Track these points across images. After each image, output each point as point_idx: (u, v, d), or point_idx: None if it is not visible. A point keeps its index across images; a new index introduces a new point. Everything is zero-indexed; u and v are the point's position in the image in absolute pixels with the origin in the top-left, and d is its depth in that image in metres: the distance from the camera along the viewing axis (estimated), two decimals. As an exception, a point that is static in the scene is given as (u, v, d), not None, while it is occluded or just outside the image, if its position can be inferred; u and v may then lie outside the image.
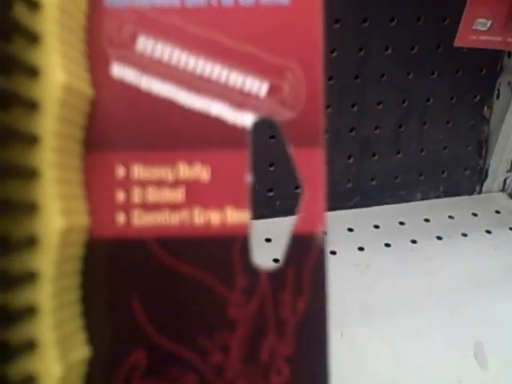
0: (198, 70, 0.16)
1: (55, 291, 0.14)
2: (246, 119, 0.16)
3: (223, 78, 0.16)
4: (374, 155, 0.56)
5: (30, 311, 0.14)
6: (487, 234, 0.55)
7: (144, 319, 0.16)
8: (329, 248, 0.52)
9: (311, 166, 0.16)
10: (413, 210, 0.58)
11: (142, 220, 0.16)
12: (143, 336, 0.16)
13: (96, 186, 0.16)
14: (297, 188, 0.53)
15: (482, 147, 0.59)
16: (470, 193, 0.61)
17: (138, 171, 0.16)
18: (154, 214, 0.16)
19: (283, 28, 0.16)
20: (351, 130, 0.54)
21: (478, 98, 0.56)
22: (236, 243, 0.16)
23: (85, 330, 0.16)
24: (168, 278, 0.16)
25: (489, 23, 0.47)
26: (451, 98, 0.55)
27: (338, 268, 0.50)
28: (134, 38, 0.16)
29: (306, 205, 0.16)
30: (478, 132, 0.58)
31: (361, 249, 0.52)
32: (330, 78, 0.50)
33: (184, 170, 0.16)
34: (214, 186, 0.16)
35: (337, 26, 0.48)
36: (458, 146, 0.58)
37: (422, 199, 0.59)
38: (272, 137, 0.43)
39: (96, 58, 0.16)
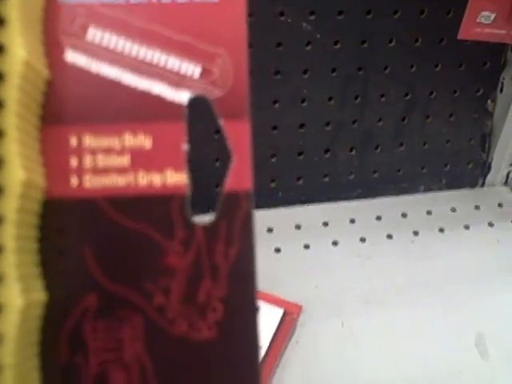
0: (141, 56, 0.19)
1: (17, 235, 0.17)
2: (182, 97, 0.19)
3: (162, 63, 0.19)
4: (376, 147, 0.56)
5: None
6: (489, 227, 0.55)
7: (95, 267, 0.18)
8: (331, 238, 0.52)
9: (239, 136, 0.19)
10: (415, 202, 0.58)
11: (92, 182, 0.19)
12: (94, 282, 0.18)
13: (52, 153, 0.18)
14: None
15: (485, 141, 0.59)
16: (473, 186, 0.61)
17: (89, 141, 0.19)
18: (104, 177, 0.19)
19: (213, 21, 0.19)
20: (354, 122, 0.54)
21: (481, 91, 0.56)
22: (175, 201, 0.19)
23: (41, 278, 0.18)
24: (116, 231, 0.19)
25: (493, 16, 0.47)
26: (454, 92, 0.55)
27: (340, 259, 0.50)
28: (84, 29, 0.19)
29: (235, 168, 0.19)
30: (481, 125, 0.58)
31: (362, 240, 0.52)
32: (333, 70, 0.51)
33: (129, 140, 0.19)
34: (156, 152, 0.19)
35: (340, 17, 0.48)
36: (461, 139, 0.58)
37: (425, 191, 0.59)
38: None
39: (51, 45, 0.19)
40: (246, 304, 0.19)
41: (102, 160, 0.19)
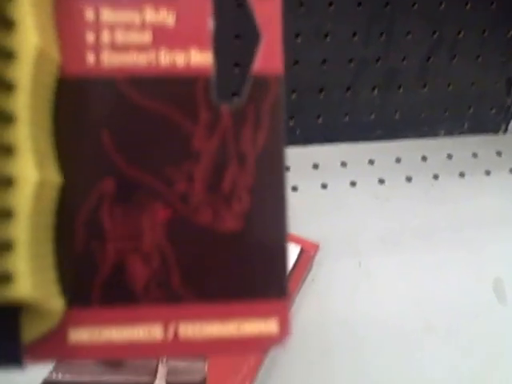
0: None
1: (30, 104, 0.15)
2: None
3: None
4: (399, 87, 0.54)
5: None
6: (510, 174, 0.54)
7: (113, 150, 0.17)
8: (349, 179, 0.51)
9: (268, 13, 0.18)
10: (436, 146, 0.56)
11: (110, 60, 0.17)
12: (112, 166, 0.17)
13: (67, 27, 0.17)
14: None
15: (511, 85, 0.57)
16: (496, 131, 0.59)
17: (107, 14, 0.17)
18: (123, 55, 0.17)
19: None
20: (377, 60, 0.52)
21: (511, 33, 0.54)
22: (199, 82, 0.17)
23: (56, 159, 0.17)
24: (135, 113, 0.17)
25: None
26: (483, 32, 0.53)
27: (358, 199, 0.49)
28: None
29: (264, 48, 0.18)
30: (508, 69, 0.56)
31: (381, 181, 0.51)
32: (359, 4, 0.49)
33: (151, 14, 0.17)
34: (179, 29, 0.17)
35: None
36: (487, 82, 0.56)
37: (446, 135, 0.58)
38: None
39: None
40: (274, 194, 0.18)
41: (120, 36, 0.17)
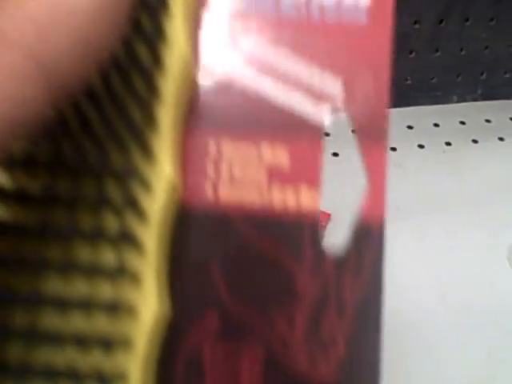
0: (285, 69, 0.19)
1: (158, 234, 0.16)
2: (322, 113, 0.18)
3: (305, 78, 0.19)
4: (410, 52, 0.53)
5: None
6: (525, 140, 0.53)
7: (221, 283, 0.18)
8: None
9: (375, 159, 0.18)
10: (448, 112, 0.55)
11: (227, 194, 0.18)
12: (218, 299, 0.18)
13: (189, 158, 0.18)
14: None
15: (526, 49, 0.56)
16: (509, 97, 0.58)
17: (227, 150, 0.18)
18: (239, 190, 0.18)
19: (359, 41, 0.19)
20: (388, 24, 0.51)
21: (525, -6, 0.52)
22: (308, 222, 0.18)
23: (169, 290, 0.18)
24: (245, 249, 0.18)
25: None
26: (497, -7, 0.51)
27: (369, 167, 0.48)
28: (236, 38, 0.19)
29: (370, 197, 0.18)
30: (522, 32, 0.55)
31: (393, 149, 0.50)
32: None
33: (267, 153, 0.18)
34: (292, 169, 0.18)
35: None
36: (500, 46, 0.55)
37: (459, 101, 0.57)
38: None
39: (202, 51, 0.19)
40: (370, 344, 0.18)
41: (238, 171, 0.18)
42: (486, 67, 0.55)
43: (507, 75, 0.56)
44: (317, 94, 0.19)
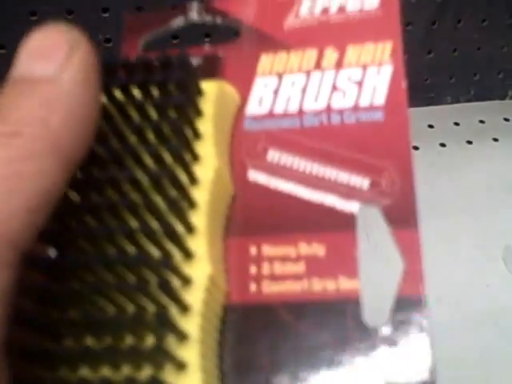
0: (314, 172, 0.21)
1: (202, 326, 0.17)
2: (352, 207, 0.20)
3: (333, 177, 0.20)
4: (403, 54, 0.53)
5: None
6: (519, 140, 0.53)
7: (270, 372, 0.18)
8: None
9: (410, 243, 0.19)
10: (442, 113, 0.55)
11: (270, 288, 0.19)
12: None
13: (233, 261, 0.20)
14: None
15: (519, 49, 0.56)
16: (503, 97, 0.58)
17: (267, 250, 0.20)
18: (280, 284, 0.19)
19: (379, 138, 0.21)
20: (381, 26, 0.51)
21: (518, -5, 0.52)
22: (349, 308, 0.19)
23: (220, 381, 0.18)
24: (290, 336, 0.19)
25: None
26: (489, -6, 0.51)
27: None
28: (265, 151, 0.21)
29: (408, 275, 0.19)
30: (515, 32, 0.55)
31: (387, 151, 0.50)
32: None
33: (304, 248, 0.20)
34: (329, 260, 0.19)
35: None
36: (493, 46, 0.55)
37: (452, 103, 0.57)
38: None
39: (236, 165, 0.21)
40: None
41: (278, 267, 0.20)
42: (480, 68, 0.55)
43: (500, 76, 0.57)
44: (345, 192, 0.20)
